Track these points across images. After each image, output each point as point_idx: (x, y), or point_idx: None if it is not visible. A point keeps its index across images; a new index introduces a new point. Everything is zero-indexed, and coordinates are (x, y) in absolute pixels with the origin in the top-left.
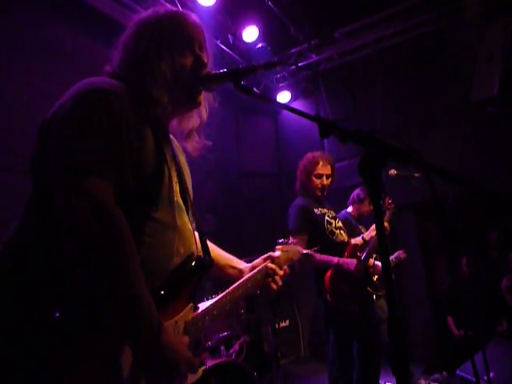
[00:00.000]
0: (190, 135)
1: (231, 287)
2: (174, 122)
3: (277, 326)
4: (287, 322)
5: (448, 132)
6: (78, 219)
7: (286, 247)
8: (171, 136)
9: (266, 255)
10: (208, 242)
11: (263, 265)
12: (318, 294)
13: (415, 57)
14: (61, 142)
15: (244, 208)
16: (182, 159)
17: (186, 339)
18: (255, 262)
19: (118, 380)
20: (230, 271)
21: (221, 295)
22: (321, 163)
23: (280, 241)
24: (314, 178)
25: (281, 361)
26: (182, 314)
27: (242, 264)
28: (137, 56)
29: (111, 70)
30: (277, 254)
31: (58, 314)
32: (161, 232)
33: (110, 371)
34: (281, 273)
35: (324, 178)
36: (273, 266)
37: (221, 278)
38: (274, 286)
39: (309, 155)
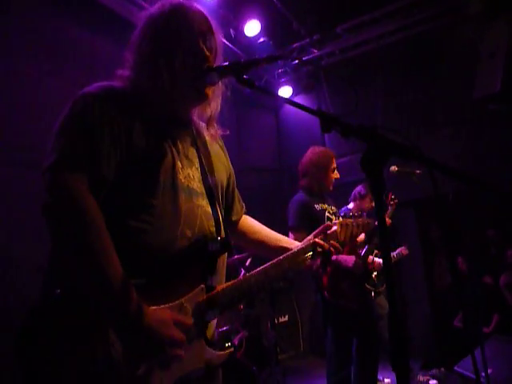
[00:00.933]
0: (209, 123)
1: (260, 268)
2: (196, 111)
3: (276, 321)
4: (286, 317)
5: (450, 129)
6: (50, 209)
7: (346, 221)
8: (201, 123)
9: (316, 231)
10: (257, 223)
11: (307, 241)
12: (316, 290)
13: (417, 53)
14: (50, 145)
15: (244, 203)
16: (213, 145)
17: (187, 320)
18: (306, 239)
19: (112, 355)
20: (280, 252)
21: (244, 276)
22: (333, 157)
23: (342, 213)
24: (331, 174)
25: (280, 356)
26: (189, 296)
27: (294, 243)
28: (139, 58)
29: (121, 72)
30: (333, 228)
31: (58, 291)
32: (160, 218)
33: (101, 346)
34: (327, 248)
35: (336, 171)
36: (321, 242)
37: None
38: (327, 258)
39: (318, 150)
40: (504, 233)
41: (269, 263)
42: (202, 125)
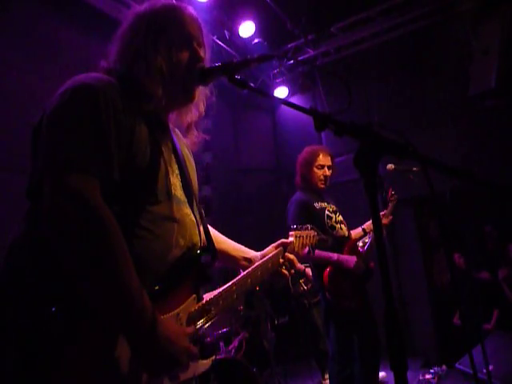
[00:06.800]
0: (189, 129)
1: (239, 277)
2: (173, 116)
3: (276, 321)
4: (286, 317)
5: (445, 126)
6: (63, 216)
7: (299, 233)
8: (175, 130)
9: (277, 242)
10: (217, 233)
11: (274, 252)
12: (317, 289)
13: (412, 51)
14: (47, 139)
15: (242, 204)
16: (186, 152)
17: (190, 329)
18: (266, 249)
19: (117, 372)
20: (241, 261)
21: (227, 285)
22: (321, 154)
23: (293, 226)
24: (315, 170)
25: (280, 357)
26: (184, 306)
27: (251, 253)
28: (132, 50)
29: (106, 65)
30: (290, 239)
31: (54, 309)
32: (157, 225)
33: (107, 363)
34: (293, 258)
35: (326, 168)
36: (287, 253)
37: (231, 268)
38: (286, 273)
39: (308, 148)
40: (501, 229)
41: (246, 271)
42: (176, 130)
